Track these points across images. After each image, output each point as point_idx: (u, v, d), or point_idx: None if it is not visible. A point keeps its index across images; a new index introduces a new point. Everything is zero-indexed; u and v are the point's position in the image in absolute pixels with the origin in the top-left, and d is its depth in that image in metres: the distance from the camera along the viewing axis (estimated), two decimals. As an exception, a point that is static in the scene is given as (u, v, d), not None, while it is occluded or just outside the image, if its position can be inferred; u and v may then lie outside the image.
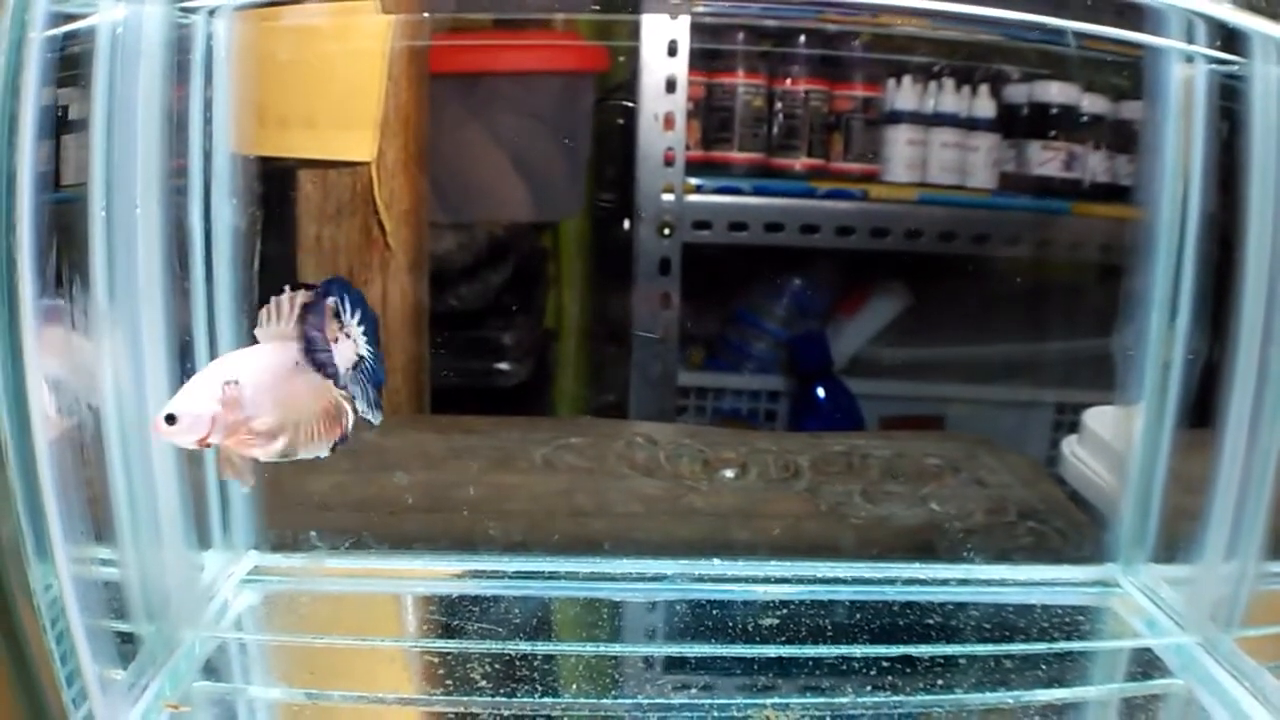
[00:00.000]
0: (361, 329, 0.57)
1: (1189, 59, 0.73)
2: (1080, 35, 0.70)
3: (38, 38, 0.53)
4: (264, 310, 0.56)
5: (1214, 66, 0.73)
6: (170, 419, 0.53)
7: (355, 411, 0.57)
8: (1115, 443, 0.93)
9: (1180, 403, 0.79)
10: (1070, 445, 1.03)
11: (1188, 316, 0.77)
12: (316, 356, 0.56)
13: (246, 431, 0.55)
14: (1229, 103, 0.73)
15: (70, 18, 0.58)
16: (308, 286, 0.56)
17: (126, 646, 0.64)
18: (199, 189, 0.72)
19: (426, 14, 0.91)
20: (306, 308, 0.55)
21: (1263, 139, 0.69)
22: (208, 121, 0.73)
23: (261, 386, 0.55)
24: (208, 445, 0.54)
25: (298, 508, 0.85)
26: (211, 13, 0.71)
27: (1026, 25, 0.70)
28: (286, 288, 0.56)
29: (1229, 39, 0.70)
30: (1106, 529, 0.84)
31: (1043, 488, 1.01)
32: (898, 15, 1.10)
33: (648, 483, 0.99)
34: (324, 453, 0.57)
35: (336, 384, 0.56)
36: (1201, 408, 0.77)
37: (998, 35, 1.33)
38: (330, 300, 0.56)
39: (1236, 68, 0.70)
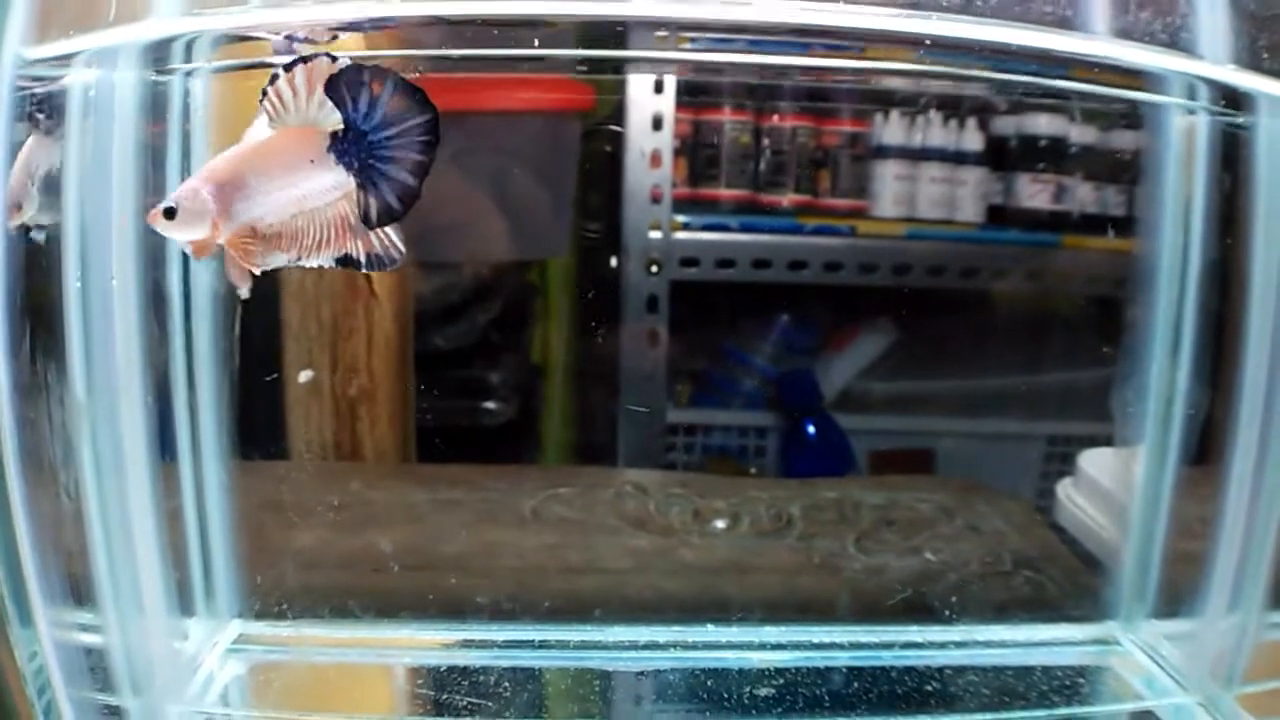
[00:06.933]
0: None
1: (1191, 111, 0.73)
2: (1080, 93, 0.69)
3: (6, 96, 0.52)
4: (274, 89, 0.47)
5: (1217, 117, 0.72)
6: (169, 212, 0.47)
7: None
8: (1113, 488, 0.92)
9: (1180, 452, 0.78)
10: (1065, 489, 1.01)
11: (1188, 363, 0.76)
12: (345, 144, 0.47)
13: (249, 233, 0.48)
14: (1232, 149, 0.72)
15: (39, 80, 0.57)
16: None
17: None
18: (177, 251, 0.71)
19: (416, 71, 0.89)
20: (335, 79, 0.46)
21: (1269, 187, 0.68)
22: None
23: (269, 181, 0.48)
24: (212, 246, 0.48)
25: (281, 566, 0.84)
26: (188, 73, 0.69)
27: (1027, 82, 0.70)
28: (298, 61, 0.46)
29: (1233, 93, 0.69)
30: (1106, 581, 0.83)
31: (1038, 534, 1.00)
32: (896, 75, 1.09)
33: (638, 536, 0.97)
34: (327, 262, 0.49)
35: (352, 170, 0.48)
36: (1201, 451, 0.77)
37: (993, 90, 1.32)
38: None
39: (1240, 119, 0.69)
